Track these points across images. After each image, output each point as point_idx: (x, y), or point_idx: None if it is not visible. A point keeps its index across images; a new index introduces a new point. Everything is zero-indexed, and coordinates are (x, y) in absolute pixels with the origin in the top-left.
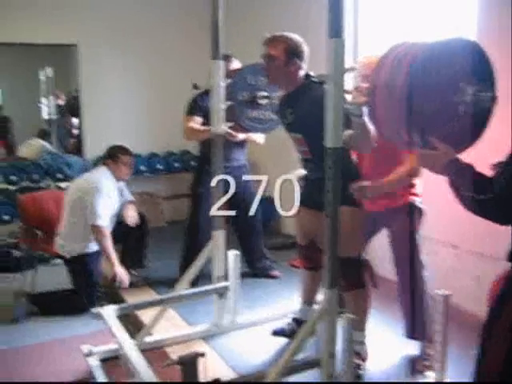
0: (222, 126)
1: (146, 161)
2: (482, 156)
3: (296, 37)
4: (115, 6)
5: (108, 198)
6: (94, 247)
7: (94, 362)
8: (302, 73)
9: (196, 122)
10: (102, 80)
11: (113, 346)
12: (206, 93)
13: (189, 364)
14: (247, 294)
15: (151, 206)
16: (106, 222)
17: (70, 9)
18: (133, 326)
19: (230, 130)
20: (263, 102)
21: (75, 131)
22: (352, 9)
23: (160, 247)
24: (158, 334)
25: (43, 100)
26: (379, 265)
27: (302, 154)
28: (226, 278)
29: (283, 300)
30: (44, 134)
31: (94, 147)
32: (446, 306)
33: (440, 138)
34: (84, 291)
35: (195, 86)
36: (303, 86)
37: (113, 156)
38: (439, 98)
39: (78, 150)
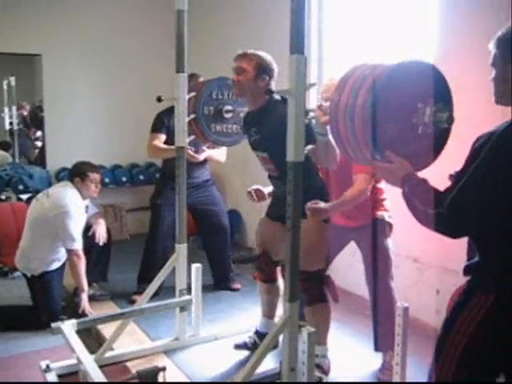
0: (185, 140)
1: (110, 173)
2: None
3: (267, 55)
4: (80, 17)
5: (78, 219)
6: (56, 265)
7: (51, 377)
8: (269, 89)
9: (160, 140)
10: (65, 91)
11: (72, 361)
12: (172, 109)
13: (148, 378)
14: (210, 307)
15: (115, 219)
16: (80, 243)
17: (35, 18)
18: (95, 340)
19: (191, 152)
20: (228, 115)
21: (39, 143)
22: (317, 25)
23: (123, 260)
24: (119, 349)
25: (6, 110)
26: (343, 279)
27: (268, 171)
28: (188, 290)
29: (246, 313)
30: (7, 146)
31: (56, 158)
32: (406, 317)
33: (400, 156)
34: (45, 308)
35: (159, 99)
36: (268, 104)
37: (81, 174)
38: (399, 118)
39: (41, 161)
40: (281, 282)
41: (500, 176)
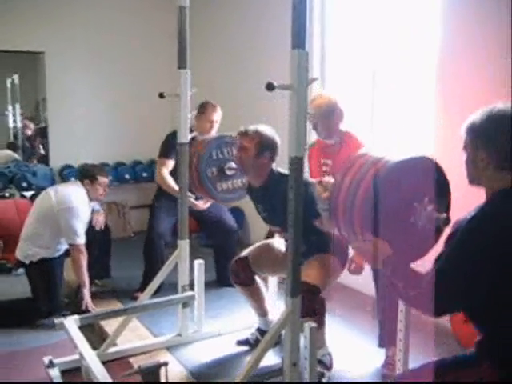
0: (187, 136)
1: (113, 170)
2: None
3: (268, 130)
4: (83, 15)
5: (83, 217)
6: (55, 254)
7: (54, 373)
8: (272, 165)
9: (168, 167)
10: (68, 88)
11: (74, 357)
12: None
13: (150, 374)
14: (212, 303)
15: (118, 216)
16: (84, 239)
17: (38, 16)
18: (97, 336)
19: (193, 201)
20: (231, 172)
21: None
22: (319, 20)
23: (126, 257)
24: (122, 345)
25: (9, 108)
26: (347, 275)
27: (283, 237)
28: (191, 287)
29: (248, 309)
30: (15, 147)
31: (60, 156)
32: (408, 313)
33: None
34: (44, 299)
35: (161, 95)
36: (270, 180)
37: (90, 176)
38: (397, 216)
39: (44, 159)
40: (258, 281)
41: (471, 259)
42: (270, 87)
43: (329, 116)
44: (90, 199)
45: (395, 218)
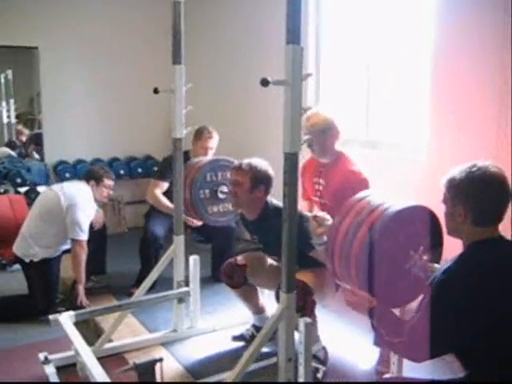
0: (182, 132)
1: (108, 166)
2: None
3: (262, 163)
4: (77, 9)
5: (88, 214)
6: (56, 254)
7: (50, 369)
8: (267, 198)
9: (161, 188)
10: (63, 83)
11: (70, 353)
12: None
13: (145, 369)
14: (208, 299)
15: (113, 212)
16: (86, 236)
17: (32, 11)
18: (93, 332)
19: (189, 218)
20: (223, 196)
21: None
22: (314, 16)
23: (121, 253)
24: (117, 341)
25: (3, 104)
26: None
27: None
28: (186, 282)
29: (242, 306)
30: (14, 146)
31: (54, 152)
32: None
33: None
34: (41, 297)
35: (156, 91)
36: (265, 214)
37: (97, 178)
38: (391, 264)
39: (38, 154)
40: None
41: (445, 308)
42: (264, 83)
43: (324, 134)
44: (96, 200)
45: (390, 265)
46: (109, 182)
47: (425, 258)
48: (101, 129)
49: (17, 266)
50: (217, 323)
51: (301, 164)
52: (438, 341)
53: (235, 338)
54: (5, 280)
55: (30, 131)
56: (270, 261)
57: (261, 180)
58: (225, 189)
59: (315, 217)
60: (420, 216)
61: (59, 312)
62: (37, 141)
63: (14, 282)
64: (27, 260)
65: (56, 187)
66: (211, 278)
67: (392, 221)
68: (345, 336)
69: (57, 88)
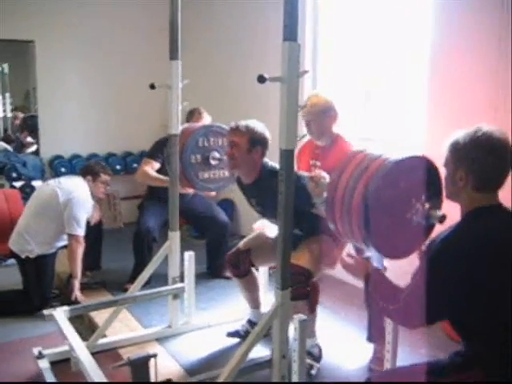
0: (178, 127)
1: (104, 161)
2: None
3: (259, 125)
4: (73, 3)
5: (86, 208)
6: (52, 250)
7: (44, 364)
8: (263, 160)
9: (152, 167)
10: (59, 78)
11: (64, 348)
12: (165, 143)
13: (139, 365)
14: (202, 295)
15: (108, 207)
16: (83, 231)
17: (29, 5)
18: (87, 327)
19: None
20: (215, 162)
21: (30, 149)
22: (312, 13)
23: (116, 248)
24: (111, 336)
25: None
26: (340, 268)
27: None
28: (181, 278)
29: (239, 301)
30: (10, 140)
31: (50, 146)
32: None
33: (388, 245)
34: (37, 292)
35: (152, 86)
36: (262, 176)
37: (93, 173)
38: (394, 213)
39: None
40: (255, 271)
41: (443, 276)
42: (261, 79)
43: (323, 115)
44: (92, 196)
45: (392, 214)
46: (105, 178)
47: (426, 205)
48: (97, 124)
49: (12, 261)
50: (212, 319)
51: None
52: (433, 308)
53: (230, 334)
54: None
55: (24, 114)
56: (268, 236)
57: (258, 141)
58: (217, 155)
59: (312, 177)
60: (419, 165)
61: (54, 307)
62: (31, 124)
63: (9, 277)
64: (23, 256)
65: (53, 182)
66: (206, 274)
67: (392, 170)
68: (339, 333)
69: (53, 82)
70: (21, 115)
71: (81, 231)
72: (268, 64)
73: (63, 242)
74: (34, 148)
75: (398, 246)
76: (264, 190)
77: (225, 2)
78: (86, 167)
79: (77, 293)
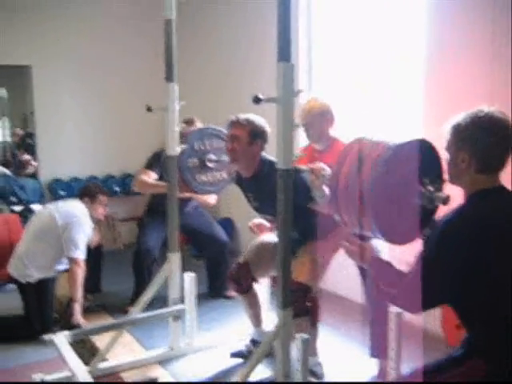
0: (176, 149)
1: (103, 183)
2: None
3: (259, 119)
4: (70, 28)
5: (86, 231)
6: (52, 274)
7: None
8: (262, 153)
9: (149, 177)
10: (56, 102)
11: (65, 373)
12: (163, 155)
13: None
14: (204, 315)
15: (108, 229)
16: (83, 255)
17: (25, 30)
18: (88, 351)
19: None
20: (212, 165)
21: (29, 170)
22: (306, 33)
23: (116, 270)
24: (113, 360)
25: None
26: (336, 283)
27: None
28: (182, 300)
29: (241, 321)
30: (8, 164)
31: (49, 169)
32: (399, 323)
33: (393, 232)
34: (38, 316)
35: (149, 109)
36: (261, 171)
37: (91, 195)
38: (396, 199)
39: (33, 173)
40: (257, 289)
41: (445, 259)
42: (256, 100)
43: (321, 118)
44: (92, 217)
45: (396, 199)
46: (103, 198)
47: (429, 188)
48: (95, 146)
49: (10, 286)
50: (214, 340)
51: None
52: (435, 290)
53: (233, 355)
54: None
55: (24, 130)
56: (265, 243)
57: (258, 134)
58: (212, 157)
59: (312, 169)
60: (420, 149)
61: (54, 332)
62: (29, 143)
63: (9, 302)
64: (23, 281)
65: (51, 206)
66: (207, 294)
67: (394, 155)
68: (340, 350)
69: (50, 106)
70: (20, 132)
71: (81, 254)
72: (263, 83)
73: (63, 266)
74: (32, 169)
75: (403, 231)
76: (262, 184)
77: (219, 23)
78: (83, 189)
79: (78, 316)
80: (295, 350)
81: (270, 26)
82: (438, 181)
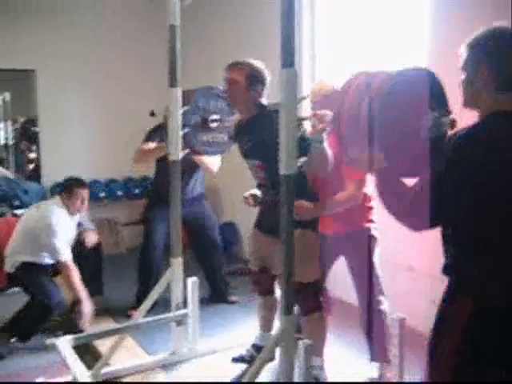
0: (179, 153)
1: (106, 187)
2: None
3: (258, 63)
4: (74, 33)
5: (63, 234)
6: (38, 260)
7: None
8: (262, 99)
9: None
10: (60, 105)
11: (67, 378)
12: (162, 126)
13: None
14: (206, 320)
15: (110, 233)
16: (69, 254)
17: (29, 34)
18: (89, 355)
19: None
20: (214, 125)
21: (32, 155)
22: (309, 39)
23: (119, 274)
24: (116, 364)
25: (1, 125)
26: (340, 289)
27: (258, 179)
28: (185, 304)
29: (243, 326)
30: (1, 162)
31: (52, 173)
32: (402, 329)
33: (400, 162)
34: (43, 292)
35: (152, 113)
36: (260, 112)
37: (67, 189)
38: (402, 123)
39: (35, 176)
40: (278, 295)
41: (456, 177)
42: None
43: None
44: (71, 213)
45: (402, 126)
46: (79, 191)
47: (435, 114)
48: (98, 150)
49: (14, 290)
50: (216, 345)
51: None
52: (439, 208)
53: (235, 360)
54: (3, 304)
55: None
56: (266, 241)
57: (256, 78)
58: (216, 117)
59: (315, 114)
60: (423, 77)
61: (57, 336)
62: (31, 131)
63: (14, 305)
64: (13, 269)
65: (34, 207)
66: (209, 299)
67: (400, 80)
68: (341, 354)
69: (54, 110)
70: (21, 119)
71: (64, 257)
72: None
73: (50, 260)
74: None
75: (411, 161)
76: (259, 126)
77: (224, 28)
78: (62, 184)
79: (86, 320)
80: (298, 356)
81: (274, 31)
82: (443, 109)
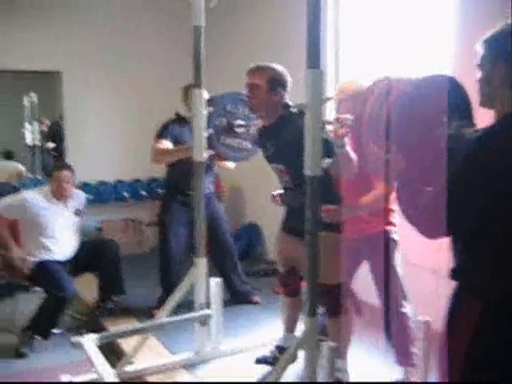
0: (203, 155)
1: (129, 187)
2: None
3: (279, 67)
4: (100, 35)
5: (18, 204)
6: (48, 257)
7: None
8: (283, 103)
9: (164, 146)
10: (85, 106)
11: (93, 376)
12: (178, 120)
13: None
14: (230, 321)
15: (135, 233)
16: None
17: (55, 36)
18: (111, 353)
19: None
20: (240, 130)
21: (57, 155)
22: (333, 39)
23: (143, 274)
24: (139, 363)
25: (27, 126)
26: (366, 291)
27: (284, 183)
28: (207, 305)
29: (266, 327)
30: (11, 155)
31: (77, 173)
32: (427, 331)
33: (420, 169)
34: (56, 284)
35: (178, 115)
36: (283, 116)
37: (50, 173)
38: (420, 131)
39: None
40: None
41: (470, 182)
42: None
43: (352, 100)
44: (56, 196)
45: (422, 130)
46: (57, 175)
47: (456, 123)
48: (122, 150)
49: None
50: (239, 345)
51: None
52: (453, 212)
53: (258, 361)
54: (31, 301)
55: (51, 122)
56: (292, 243)
57: (278, 82)
58: (242, 122)
59: (337, 118)
60: (448, 86)
61: (81, 334)
62: (57, 132)
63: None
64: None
65: None
66: (232, 300)
67: (421, 85)
68: (364, 356)
69: (79, 111)
70: (47, 121)
71: None
72: (292, 88)
73: (48, 255)
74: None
75: (428, 169)
76: (284, 127)
77: (248, 29)
78: None
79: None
80: (322, 358)
81: (299, 31)
82: (466, 120)
